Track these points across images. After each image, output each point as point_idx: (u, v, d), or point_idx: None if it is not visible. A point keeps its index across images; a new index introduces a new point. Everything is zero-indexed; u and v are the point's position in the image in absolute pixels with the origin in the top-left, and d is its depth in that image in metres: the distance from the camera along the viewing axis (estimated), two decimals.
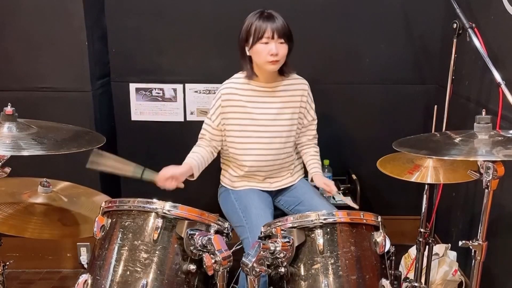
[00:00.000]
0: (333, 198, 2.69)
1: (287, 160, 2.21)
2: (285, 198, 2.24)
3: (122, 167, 1.86)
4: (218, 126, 2.14)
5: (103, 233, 1.56)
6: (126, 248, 1.52)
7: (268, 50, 1.98)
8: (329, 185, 2.09)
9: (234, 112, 2.12)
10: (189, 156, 2.11)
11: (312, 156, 2.25)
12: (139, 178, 1.89)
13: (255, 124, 2.12)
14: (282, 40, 1.99)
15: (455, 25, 2.05)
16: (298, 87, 2.18)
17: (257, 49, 2.00)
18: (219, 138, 2.17)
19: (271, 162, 2.17)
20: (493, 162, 1.45)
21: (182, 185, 1.98)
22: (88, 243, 2.70)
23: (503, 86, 1.82)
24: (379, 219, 1.60)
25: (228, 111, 2.12)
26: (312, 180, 2.19)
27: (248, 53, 2.05)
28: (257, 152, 2.14)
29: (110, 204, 1.59)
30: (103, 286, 1.48)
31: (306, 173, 2.34)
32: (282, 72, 2.13)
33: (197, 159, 2.08)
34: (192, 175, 2.06)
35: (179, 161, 2.08)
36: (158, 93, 2.80)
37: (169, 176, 1.94)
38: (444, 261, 2.38)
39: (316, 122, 2.26)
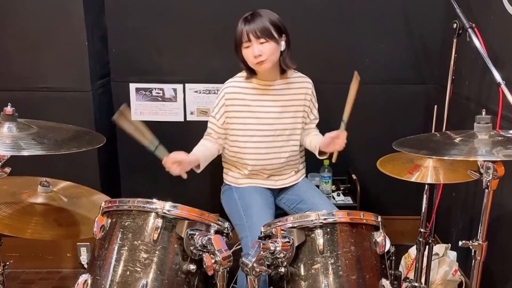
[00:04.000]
0: (333, 198, 2.70)
1: (291, 159, 2.21)
2: (287, 196, 2.24)
3: (141, 134, 1.85)
4: (222, 124, 2.15)
5: (103, 233, 1.56)
6: (126, 248, 1.52)
7: (252, 53, 2.00)
8: (336, 136, 1.99)
9: (237, 111, 2.13)
10: (197, 148, 2.12)
11: (315, 134, 2.23)
12: (152, 151, 1.87)
13: (259, 122, 2.13)
14: (263, 40, 1.99)
15: (455, 25, 2.05)
16: (302, 85, 2.19)
17: (244, 54, 2.04)
18: (224, 136, 2.18)
19: (275, 161, 2.17)
20: (493, 162, 1.45)
21: (185, 175, 1.94)
22: (88, 243, 2.70)
23: (503, 86, 1.82)
24: (379, 219, 1.60)
25: (231, 109, 2.13)
26: (320, 152, 2.10)
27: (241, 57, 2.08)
28: (260, 150, 2.15)
29: (110, 204, 1.59)
30: (103, 286, 1.47)
31: (307, 174, 2.35)
32: (283, 71, 2.13)
33: (204, 151, 2.10)
34: (197, 166, 2.06)
35: None
36: (158, 93, 2.80)
37: (177, 160, 1.91)
38: (444, 261, 2.38)
39: (317, 121, 2.27)
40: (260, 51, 1.99)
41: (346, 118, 1.99)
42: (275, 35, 2.01)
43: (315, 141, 2.16)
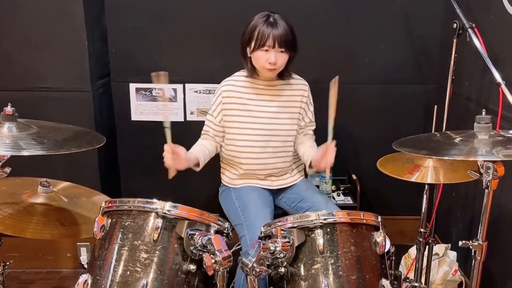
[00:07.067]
0: (333, 198, 2.70)
1: (286, 160, 2.21)
2: (287, 196, 2.24)
3: (164, 106, 1.85)
4: (220, 122, 2.15)
5: (103, 233, 1.56)
6: (126, 248, 1.52)
7: (267, 58, 1.99)
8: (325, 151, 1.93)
9: (234, 109, 2.13)
10: (195, 147, 2.12)
11: (309, 146, 2.19)
12: (165, 126, 1.83)
13: (255, 121, 2.13)
14: (283, 49, 2.00)
15: (455, 25, 2.05)
16: (298, 87, 2.19)
17: (257, 55, 2.02)
18: (222, 134, 2.18)
19: (270, 160, 2.17)
20: (493, 162, 1.45)
21: (172, 174, 1.89)
22: (88, 243, 2.70)
23: (503, 86, 1.82)
24: (379, 219, 1.60)
25: (228, 107, 2.13)
26: (310, 166, 2.08)
27: (249, 55, 2.06)
28: (255, 149, 2.15)
29: (110, 204, 1.59)
30: (103, 286, 1.47)
31: (306, 175, 2.34)
32: (282, 76, 2.14)
33: (202, 151, 2.10)
34: (197, 165, 2.06)
35: None
36: (158, 93, 2.80)
37: (175, 151, 1.88)
38: (444, 261, 2.38)
39: (313, 126, 2.26)
40: (276, 59, 1.99)
41: (331, 129, 1.87)
42: (292, 47, 2.02)
43: (307, 155, 2.12)
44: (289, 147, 2.20)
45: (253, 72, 2.11)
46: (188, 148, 2.15)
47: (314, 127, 2.26)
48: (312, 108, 2.25)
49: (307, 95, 2.20)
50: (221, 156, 2.26)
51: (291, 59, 2.08)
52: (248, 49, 2.05)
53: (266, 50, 1.99)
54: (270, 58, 1.99)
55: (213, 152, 2.18)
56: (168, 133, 1.84)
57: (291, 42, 2.01)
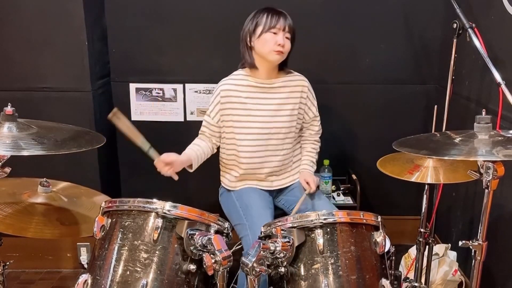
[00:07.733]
0: (333, 198, 2.70)
1: (287, 157, 2.21)
2: (286, 198, 2.24)
3: (134, 135, 1.89)
4: (217, 122, 2.15)
5: (103, 233, 1.56)
6: (126, 248, 1.52)
7: (276, 40, 2.02)
8: (309, 182, 2.12)
9: (233, 109, 2.13)
10: (190, 147, 2.13)
11: (307, 152, 2.27)
12: (144, 152, 1.93)
13: (254, 120, 2.13)
14: (288, 35, 2.05)
15: (455, 25, 2.05)
16: (297, 83, 2.19)
17: (265, 38, 2.03)
18: (219, 134, 2.19)
19: (270, 158, 2.17)
20: (493, 162, 1.45)
21: (176, 177, 1.98)
22: (88, 243, 2.70)
23: (503, 86, 1.82)
24: (379, 219, 1.60)
25: (227, 107, 2.13)
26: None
27: (252, 44, 2.07)
28: (256, 148, 2.15)
29: (110, 204, 1.59)
30: (103, 286, 1.47)
31: None
32: (282, 69, 2.15)
33: (197, 151, 2.11)
34: (190, 166, 2.08)
35: None
36: (158, 93, 2.81)
37: (168, 162, 1.96)
38: (444, 261, 2.38)
39: (319, 118, 2.27)
40: (285, 42, 2.03)
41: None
42: (294, 39, 2.09)
43: (301, 162, 2.26)
44: (289, 144, 2.20)
45: (252, 65, 2.11)
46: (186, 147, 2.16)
47: (319, 119, 2.27)
48: (315, 102, 2.25)
49: (307, 90, 2.20)
50: (220, 158, 2.26)
51: (290, 52, 2.10)
52: (252, 38, 2.06)
53: (275, 33, 2.02)
54: (279, 40, 2.02)
55: (208, 154, 2.18)
56: (151, 153, 1.92)
57: (294, 33, 2.08)
